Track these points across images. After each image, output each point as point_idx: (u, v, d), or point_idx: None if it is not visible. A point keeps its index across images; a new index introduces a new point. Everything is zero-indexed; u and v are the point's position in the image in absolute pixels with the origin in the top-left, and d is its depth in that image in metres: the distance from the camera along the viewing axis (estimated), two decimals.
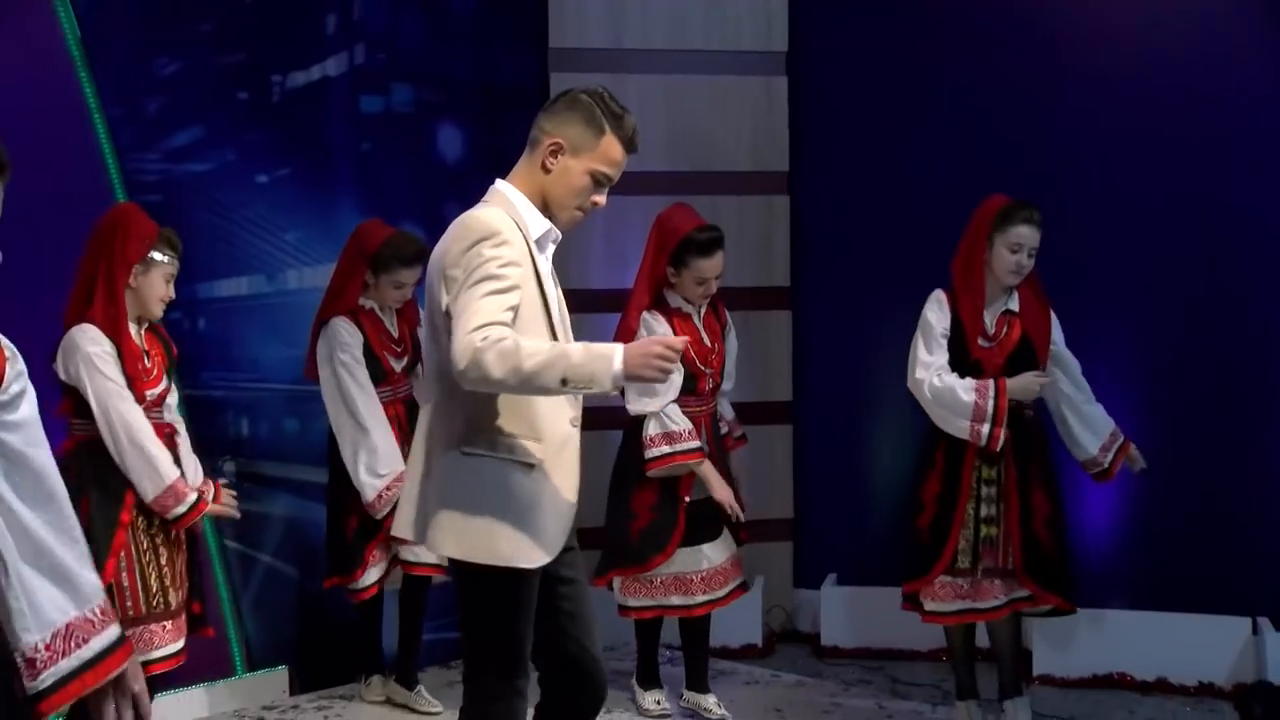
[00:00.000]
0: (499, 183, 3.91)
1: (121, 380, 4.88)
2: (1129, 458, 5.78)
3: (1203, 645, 6.49)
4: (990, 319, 5.54)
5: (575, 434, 3.85)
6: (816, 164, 7.70)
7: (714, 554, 6.05)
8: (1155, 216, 6.79)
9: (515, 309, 3.64)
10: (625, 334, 5.75)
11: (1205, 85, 6.68)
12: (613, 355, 3.47)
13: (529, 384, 3.50)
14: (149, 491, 4.89)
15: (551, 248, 3.93)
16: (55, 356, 4.90)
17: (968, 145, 7.22)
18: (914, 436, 7.14)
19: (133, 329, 5.06)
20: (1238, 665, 6.35)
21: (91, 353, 4.86)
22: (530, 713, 3.99)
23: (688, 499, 5.93)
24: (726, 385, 6.18)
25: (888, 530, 7.41)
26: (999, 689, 5.71)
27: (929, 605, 5.66)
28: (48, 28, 5.82)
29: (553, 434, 3.77)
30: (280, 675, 6.51)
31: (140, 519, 4.96)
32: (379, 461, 5.83)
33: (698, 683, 6.15)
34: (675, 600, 6.02)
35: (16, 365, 2.58)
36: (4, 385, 2.52)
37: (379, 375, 5.97)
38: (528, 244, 3.77)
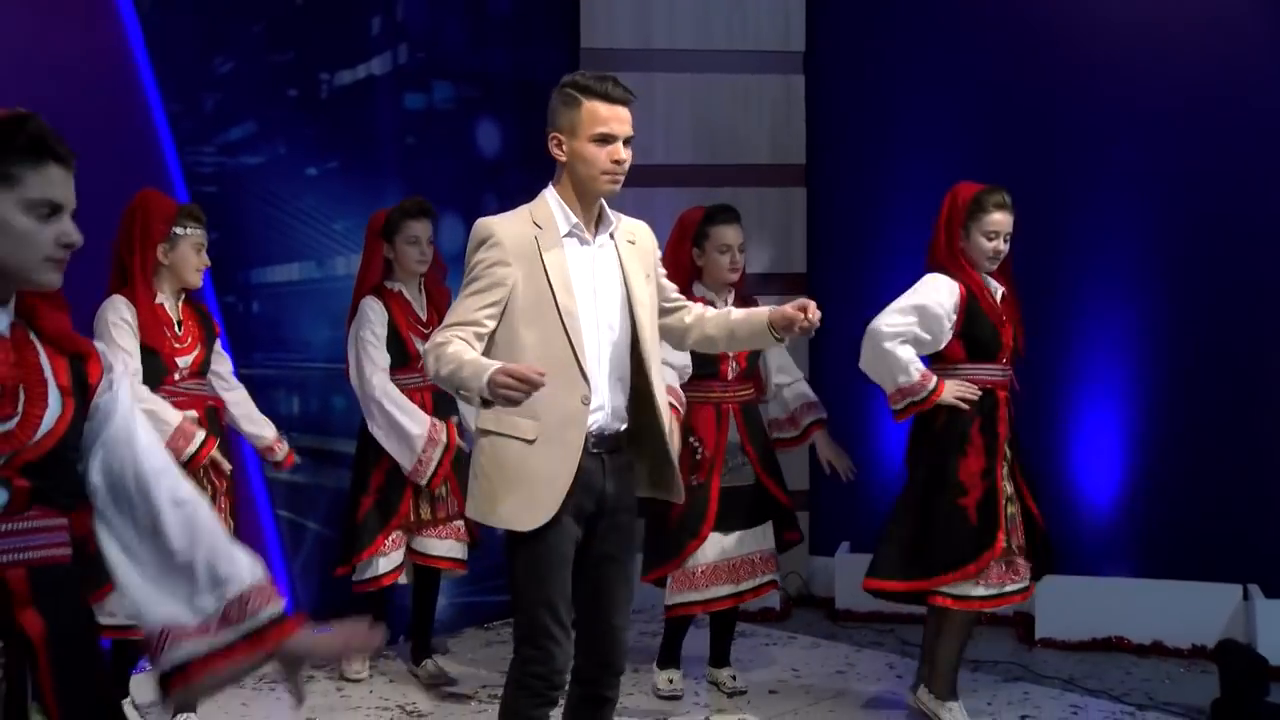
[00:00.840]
0: (547, 187, 3.99)
1: (133, 349, 4.96)
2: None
3: (1196, 610, 6.48)
4: (995, 297, 5.36)
5: (585, 412, 3.87)
6: (832, 157, 7.70)
7: (750, 542, 5.91)
8: (1151, 202, 6.75)
9: (495, 305, 3.81)
10: None
11: (1206, 82, 6.63)
12: (483, 373, 3.55)
13: (447, 385, 3.75)
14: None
15: (600, 240, 3.96)
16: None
17: (972, 139, 7.18)
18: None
19: (168, 302, 5.18)
20: (1229, 630, 6.33)
21: (110, 320, 4.98)
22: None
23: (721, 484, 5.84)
24: (783, 379, 6.10)
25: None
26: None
27: (978, 590, 5.21)
28: (114, 29, 5.86)
29: (551, 413, 3.80)
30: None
31: None
32: (406, 433, 5.79)
33: (718, 658, 6.07)
34: (723, 591, 5.83)
35: (110, 374, 2.60)
36: (99, 391, 2.54)
37: (404, 359, 5.84)
38: (538, 243, 3.84)
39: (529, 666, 3.89)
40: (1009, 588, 5.24)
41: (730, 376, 5.86)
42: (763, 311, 4.09)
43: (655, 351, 4.03)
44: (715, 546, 5.81)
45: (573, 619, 4.01)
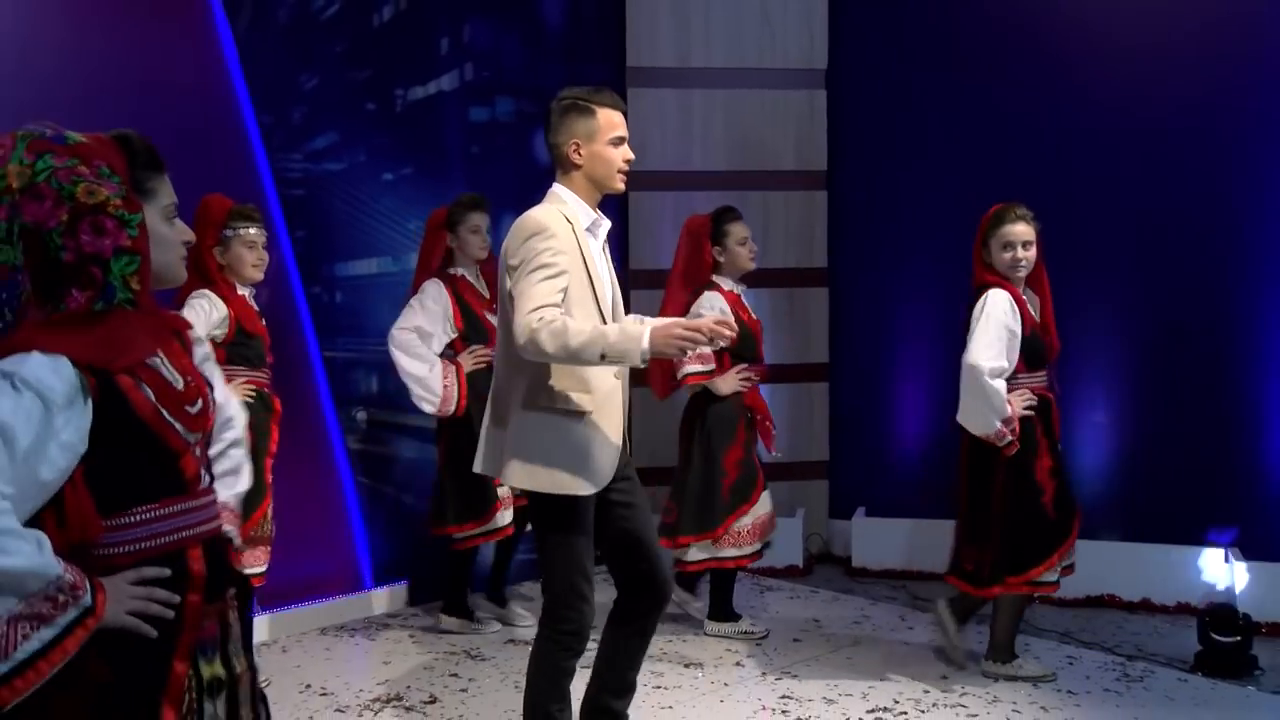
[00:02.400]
0: (555, 185, 4.01)
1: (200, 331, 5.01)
2: None
3: (1181, 571, 6.45)
4: (1037, 312, 5.22)
5: (619, 385, 3.94)
6: (850, 164, 7.69)
7: (763, 506, 5.98)
8: (1147, 200, 6.70)
9: (565, 290, 3.77)
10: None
11: (1204, 95, 6.57)
12: (641, 336, 3.57)
13: (574, 358, 3.65)
14: None
15: (603, 232, 4.01)
16: None
17: (981, 149, 7.17)
18: (930, 392, 7.16)
19: (245, 293, 5.26)
20: (1211, 589, 6.31)
21: (194, 305, 5.01)
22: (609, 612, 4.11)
23: (775, 453, 5.97)
24: None
25: (908, 470, 7.46)
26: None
27: (1050, 576, 5.14)
28: (214, 51, 5.86)
29: (599, 387, 3.87)
30: (401, 589, 6.56)
31: None
32: (416, 375, 5.78)
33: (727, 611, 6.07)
34: (756, 546, 5.94)
35: (200, 349, 2.63)
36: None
37: (482, 335, 5.85)
38: (575, 234, 3.87)
39: (562, 625, 3.90)
40: (1065, 563, 5.21)
41: (762, 361, 5.94)
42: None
43: None
44: (766, 503, 5.98)
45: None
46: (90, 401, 2.21)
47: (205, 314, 5.02)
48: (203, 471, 2.43)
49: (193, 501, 2.38)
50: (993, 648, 5.33)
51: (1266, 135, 6.40)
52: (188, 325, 2.57)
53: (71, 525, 2.24)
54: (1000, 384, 4.98)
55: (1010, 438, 5.00)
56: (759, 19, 7.61)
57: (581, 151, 3.91)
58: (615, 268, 4.13)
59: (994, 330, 5.00)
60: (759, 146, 7.61)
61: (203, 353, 2.63)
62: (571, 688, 3.99)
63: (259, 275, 5.26)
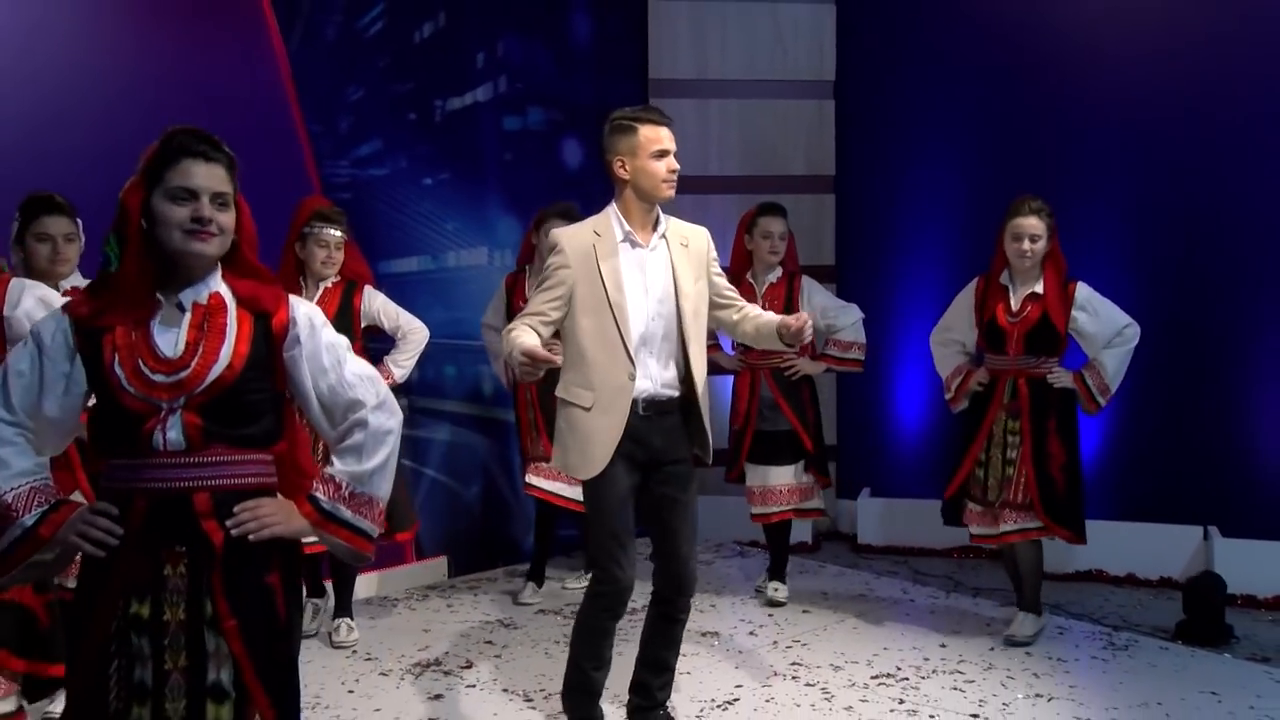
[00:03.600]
0: (610, 204, 4.07)
1: None
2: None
3: (1163, 548, 6.46)
4: (1016, 300, 5.23)
5: (631, 385, 3.94)
6: (857, 169, 7.68)
7: (777, 476, 6.00)
8: (1138, 201, 6.71)
9: (559, 300, 3.93)
10: None
11: (1198, 100, 6.56)
12: (514, 350, 3.75)
13: (509, 363, 3.92)
14: None
15: (653, 240, 4.03)
16: None
17: (977, 153, 7.17)
18: (929, 382, 7.15)
19: (314, 288, 5.24)
20: (1190, 564, 6.30)
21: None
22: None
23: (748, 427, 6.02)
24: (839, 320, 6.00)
25: (909, 454, 7.47)
26: (1020, 602, 5.48)
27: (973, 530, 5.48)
28: (268, 66, 5.90)
29: (604, 385, 3.92)
30: (441, 562, 6.58)
31: None
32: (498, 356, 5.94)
33: (774, 572, 6.15)
34: (754, 510, 6.07)
35: (296, 328, 2.70)
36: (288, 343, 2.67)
37: None
38: (595, 248, 3.94)
39: (599, 586, 3.98)
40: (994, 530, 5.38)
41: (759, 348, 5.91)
42: (774, 321, 4.09)
43: (697, 335, 4.06)
44: (752, 474, 6.05)
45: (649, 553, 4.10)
46: (79, 355, 2.53)
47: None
48: (169, 435, 2.50)
49: (149, 460, 2.51)
50: (1025, 600, 5.44)
51: (1260, 138, 6.39)
52: (273, 309, 2.65)
53: (88, 458, 2.68)
54: (940, 349, 5.54)
55: (949, 394, 5.48)
56: (771, 34, 7.62)
57: (627, 167, 3.95)
58: None
59: (951, 308, 5.49)
60: (771, 152, 7.62)
61: (308, 338, 2.69)
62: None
63: (329, 272, 5.24)
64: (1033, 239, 5.14)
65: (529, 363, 3.67)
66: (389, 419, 2.73)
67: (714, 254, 4.18)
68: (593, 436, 3.92)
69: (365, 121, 6.33)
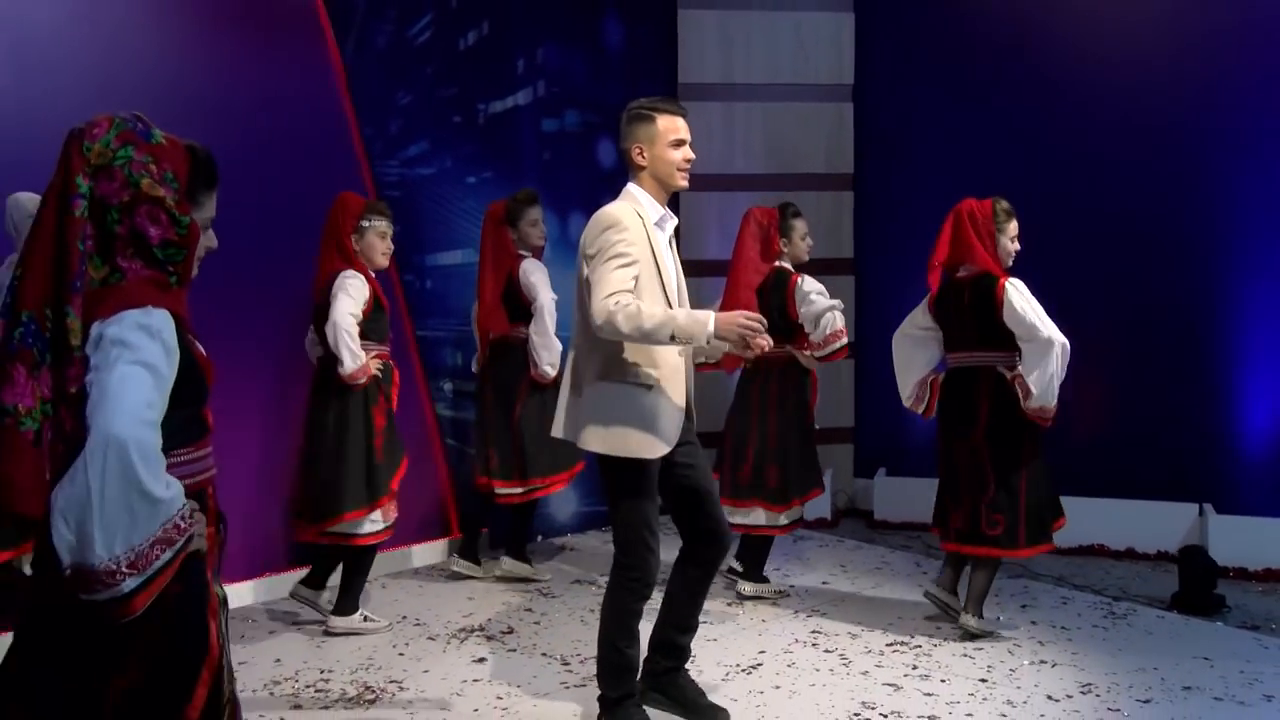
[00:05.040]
0: (629, 184, 3.96)
1: (357, 306, 4.93)
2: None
3: (1161, 524, 6.47)
4: None
5: (683, 362, 3.91)
6: (874, 167, 7.70)
7: None
8: (1135, 198, 6.70)
9: (636, 275, 3.74)
10: (740, 304, 5.46)
11: (1189, 100, 6.60)
12: (707, 321, 3.58)
13: (647, 338, 3.63)
14: (345, 366, 4.90)
15: (670, 226, 3.95)
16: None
17: (987, 153, 7.16)
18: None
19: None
20: (1186, 539, 6.30)
21: (346, 285, 4.94)
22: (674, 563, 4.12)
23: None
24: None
25: (923, 435, 7.45)
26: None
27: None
28: (325, 72, 5.96)
29: (666, 363, 3.82)
30: (484, 536, 6.53)
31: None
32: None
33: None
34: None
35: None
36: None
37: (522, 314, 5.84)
38: (645, 227, 3.82)
39: (630, 572, 3.87)
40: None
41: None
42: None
43: None
44: None
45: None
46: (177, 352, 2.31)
47: (359, 290, 4.96)
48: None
49: (210, 448, 2.45)
50: (971, 603, 5.03)
51: (1255, 140, 6.40)
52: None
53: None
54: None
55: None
56: (794, 41, 7.63)
57: (645, 154, 3.88)
58: None
59: (1040, 310, 4.87)
60: (793, 152, 7.64)
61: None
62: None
63: (385, 262, 5.18)
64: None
65: (750, 326, 3.57)
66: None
67: None
68: (660, 414, 3.80)
69: (414, 124, 6.38)
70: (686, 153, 3.90)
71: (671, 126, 3.87)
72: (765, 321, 3.67)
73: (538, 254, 5.95)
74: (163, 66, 5.27)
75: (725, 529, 4.08)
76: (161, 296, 2.31)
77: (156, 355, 2.22)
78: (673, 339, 3.61)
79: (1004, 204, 5.04)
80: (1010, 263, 5.06)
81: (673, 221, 3.96)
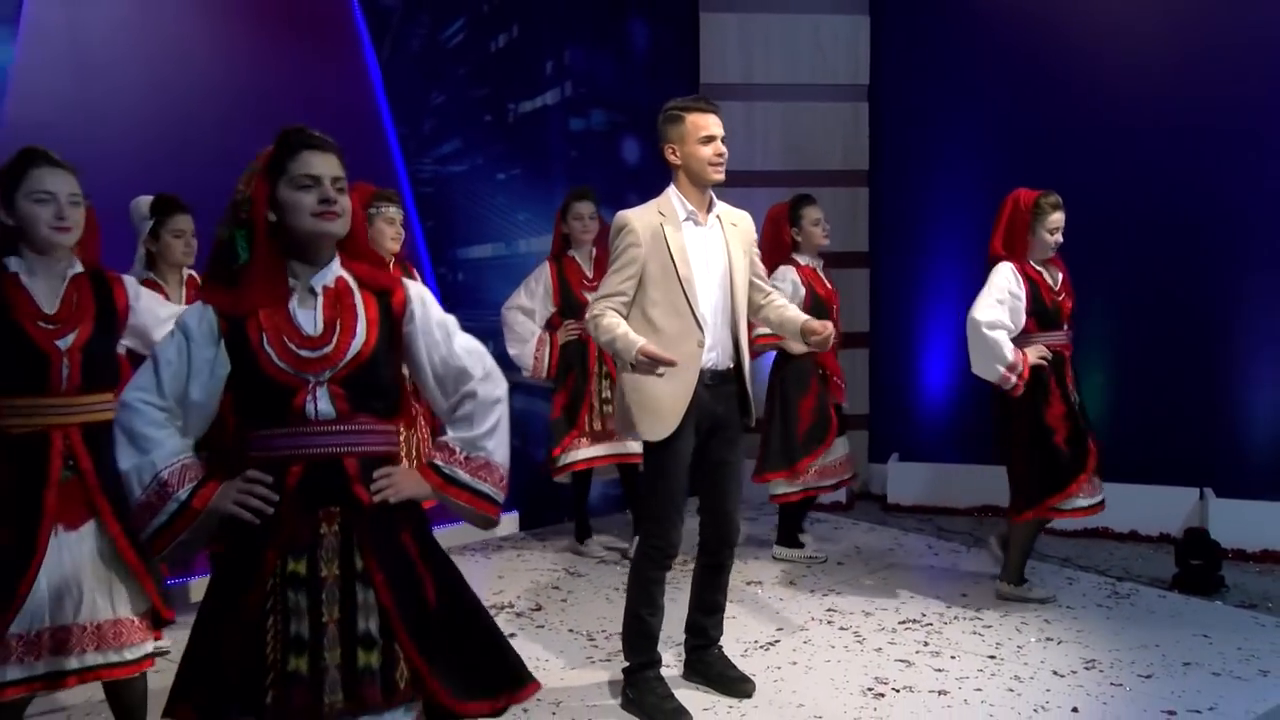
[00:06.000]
0: (669, 186, 4.01)
1: None
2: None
3: (1163, 507, 6.47)
4: (1053, 281, 5.11)
5: (700, 353, 3.91)
6: (888, 164, 7.69)
7: (842, 448, 5.96)
8: (1142, 190, 6.69)
9: (633, 277, 3.86)
10: None
11: (1201, 99, 6.57)
12: (631, 349, 3.68)
13: (606, 347, 3.84)
14: None
15: (708, 221, 3.98)
16: None
17: (997, 151, 7.17)
18: (953, 356, 7.18)
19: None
20: (1187, 521, 6.30)
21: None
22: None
23: (844, 405, 5.89)
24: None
25: (934, 422, 7.49)
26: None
27: (1076, 503, 5.10)
28: (362, 74, 6.02)
29: (675, 353, 3.79)
30: (513, 518, 6.65)
31: None
32: (514, 348, 5.92)
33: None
34: (817, 483, 5.91)
35: (411, 304, 2.69)
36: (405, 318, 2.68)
37: (575, 311, 5.74)
38: (662, 227, 3.88)
39: (652, 540, 3.97)
40: (1096, 499, 5.14)
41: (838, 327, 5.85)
42: (799, 318, 4.10)
43: (743, 310, 4.04)
44: (840, 445, 5.95)
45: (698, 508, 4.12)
46: (223, 341, 2.52)
47: None
48: (320, 405, 2.52)
49: (300, 429, 2.51)
50: (1006, 570, 5.29)
51: (1256, 140, 6.39)
52: (391, 288, 2.66)
53: (229, 434, 2.60)
54: (999, 334, 4.92)
55: (1014, 381, 4.91)
56: (811, 43, 7.63)
57: (677, 153, 3.92)
58: None
59: (993, 293, 4.98)
60: (811, 150, 7.63)
61: (421, 314, 2.68)
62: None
63: (395, 247, 5.16)
64: (1061, 230, 5.09)
65: (649, 362, 3.63)
66: (495, 388, 2.71)
67: (755, 237, 4.16)
68: (664, 401, 3.88)
69: (446, 123, 6.42)
70: (717, 147, 3.91)
71: (700, 123, 3.90)
72: (673, 361, 3.68)
73: (592, 247, 5.94)
74: (212, 69, 5.36)
75: (730, 529, 4.14)
76: (215, 291, 2.60)
77: (164, 346, 2.62)
78: (615, 355, 3.81)
79: (1051, 197, 5.08)
80: (1048, 253, 5.10)
81: (711, 215, 3.99)
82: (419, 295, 2.69)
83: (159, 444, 2.51)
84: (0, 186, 3.16)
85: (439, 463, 2.66)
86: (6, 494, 3.14)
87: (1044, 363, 5.00)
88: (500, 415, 2.71)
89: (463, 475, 2.67)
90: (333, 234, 2.59)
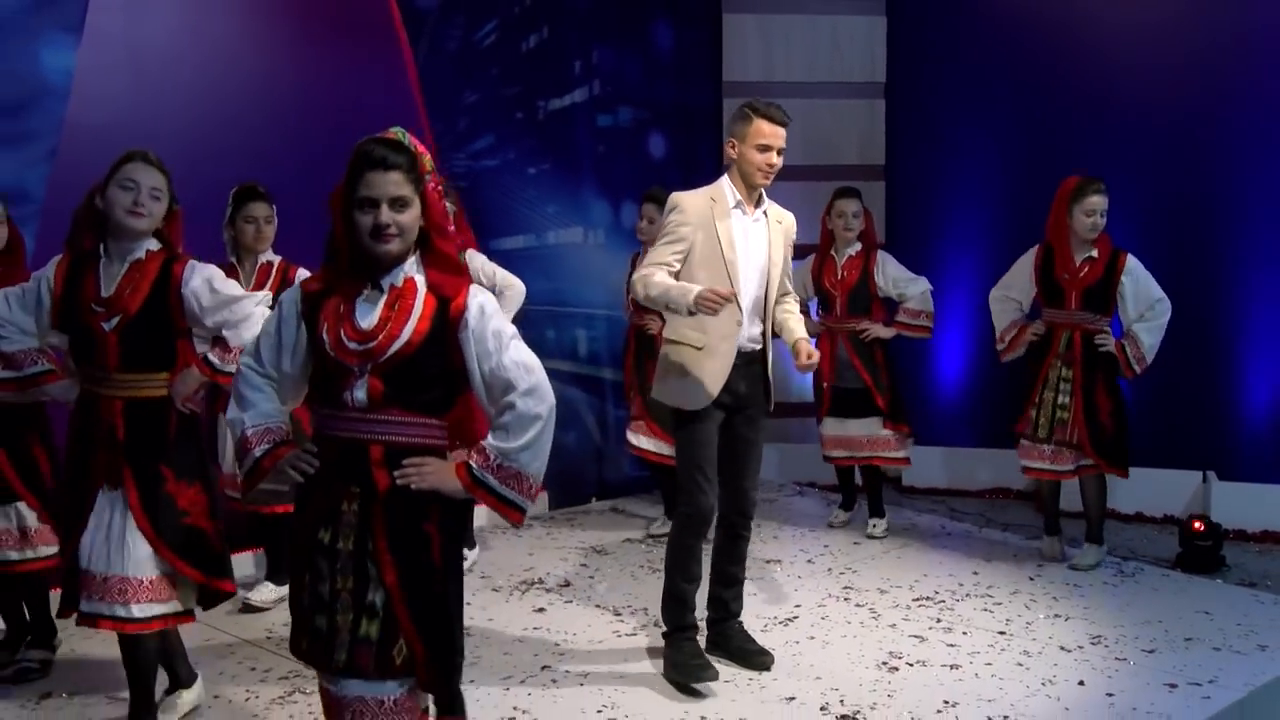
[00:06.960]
0: (724, 175, 4.09)
1: None
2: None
3: (1167, 489, 6.49)
4: (1077, 261, 5.27)
5: (737, 331, 4.00)
6: (903, 159, 7.69)
7: (857, 427, 6.02)
8: (1151, 183, 6.66)
9: (681, 252, 3.93)
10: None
11: (1207, 94, 6.58)
12: (689, 292, 3.72)
13: (653, 302, 3.91)
14: None
15: (752, 212, 4.05)
16: None
17: (1010, 147, 7.18)
18: (967, 345, 7.19)
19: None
20: (1191, 504, 6.34)
21: None
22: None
23: (826, 384, 5.99)
24: (908, 290, 5.99)
25: (949, 407, 7.50)
26: (1085, 533, 5.58)
27: (1025, 464, 5.56)
28: (400, 73, 6.07)
29: (715, 330, 3.93)
30: (543, 497, 6.66)
31: None
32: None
33: (850, 504, 6.33)
34: (839, 453, 6.10)
35: (467, 314, 2.67)
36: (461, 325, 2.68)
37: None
38: (711, 211, 3.96)
39: (685, 508, 4.05)
40: (1056, 467, 5.46)
41: (838, 314, 5.95)
42: (796, 333, 4.13)
43: (774, 300, 4.13)
44: (832, 425, 6.04)
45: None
46: (303, 322, 2.69)
47: None
48: (356, 394, 2.61)
49: (340, 413, 2.65)
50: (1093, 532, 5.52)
51: (1260, 135, 6.39)
52: (453, 295, 2.66)
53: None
54: (998, 305, 5.55)
55: (999, 347, 5.54)
56: (830, 42, 7.64)
57: (735, 149, 4.00)
58: None
59: (1015, 268, 5.50)
60: (829, 145, 7.63)
61: (477, 323, 2.66)
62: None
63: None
64: (1101, 214, 5.19)
65: (715, 299, 3.66)
66: (537, 404, 2.66)
67: (794, 237, 4.22)
68: (701, 375, 3.96)
69: (480, 120, 6.45)
70: (770, 158, 3.98)
71: (763, 130, 3.96)
72: (732, 295, 3.80)
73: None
74: (259, 70, 5.43)
75: (747, 502, 4.20)
76: (317, 275, 2.80)
77: (269, 318, 2.84)
78: (667, 307, 3.85)
79: (1094, 183, 5.22)
80: (1086, 235, 5.23)
81: (762, 206, 4.07)
82: (479, 305, 2.67)
83: (252, 405, 2.75)
84: (105, 178, 3.38)
85: (472, 464, 2.67)
86: (76, 444, 3.44)
87: (1035, 338, 5.40)
88: (538, 430, 2.68)
89: (492, 481, 2.67)
90: (388, 254, 2.63)
